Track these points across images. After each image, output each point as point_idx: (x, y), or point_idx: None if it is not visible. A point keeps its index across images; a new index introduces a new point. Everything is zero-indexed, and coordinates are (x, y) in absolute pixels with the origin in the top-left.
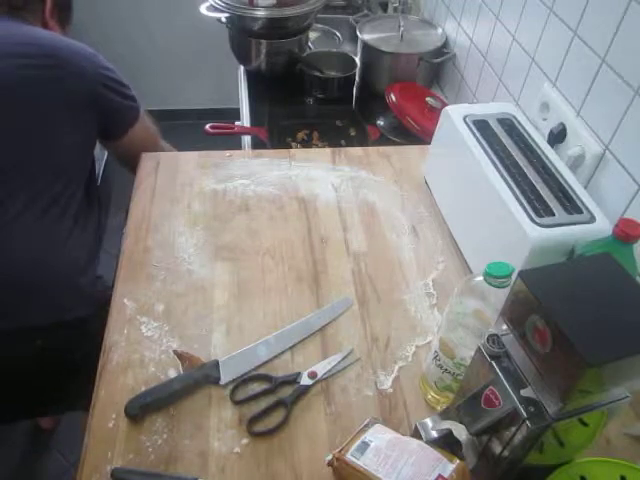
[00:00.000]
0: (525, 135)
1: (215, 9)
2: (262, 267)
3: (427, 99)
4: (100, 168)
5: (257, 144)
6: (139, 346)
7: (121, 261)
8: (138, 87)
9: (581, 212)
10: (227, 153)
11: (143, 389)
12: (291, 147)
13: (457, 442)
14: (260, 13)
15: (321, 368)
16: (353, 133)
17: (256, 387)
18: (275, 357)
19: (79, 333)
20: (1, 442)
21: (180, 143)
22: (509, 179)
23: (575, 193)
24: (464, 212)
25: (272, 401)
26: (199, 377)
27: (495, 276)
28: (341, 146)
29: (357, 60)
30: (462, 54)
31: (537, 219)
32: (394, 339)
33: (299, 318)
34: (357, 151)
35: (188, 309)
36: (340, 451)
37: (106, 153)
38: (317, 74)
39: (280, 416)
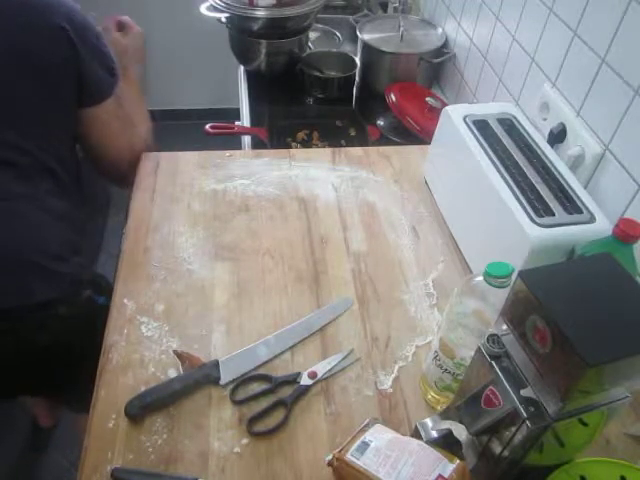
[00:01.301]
0: (525, 135)
1: (215, 9)
2: (262, 267)
3: (427, 99)
4: None
5: (257, 144)
6: (139, 346)
7: (121, 261)
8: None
9: (581, 212)
10: (227, 153)
11: (143, 389)
12: (291, 147)
13: (457, 442)
14: (260, 13)
15: (321, 368)
16: (353, 133)
17: (256, 387)
18: (275, 357)
19: (47, 316)
20: (1, 442)
21: (180, 143)
22: (509, 179)
23: (575, 193)
24: (464, 212)
25: (272, 401)
26: (199, 377)
27: (495, 276)
28: (341, 146)
29: (357, 60)
30: (462, 54)
31: (537, 219)
32: (394, 339)
33: (299, 318)
34: (357, 151)
35: (188, 309)
36: (340, 451)
37: None
38: (317, 74)
39: (280, 416)
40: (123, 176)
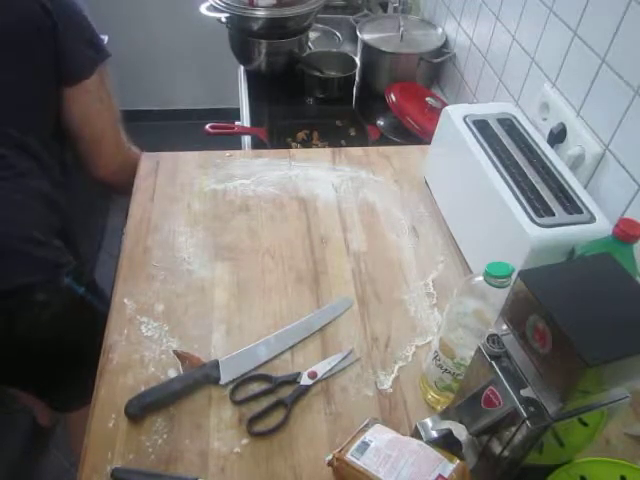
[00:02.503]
0: (525, 135)
1: (215, 9)
2: (262, 267)
3: (427, 99)
4: None
5: (257, 144)
6: (139, 346)
7: (121, 261)
8: (138, 87)
9: (581, 212)
10: (227, 153)
11: (143, 389)
12: (291, 147)
13: (457, 442)
14: (260, 13)
15: (321, 368)
16: (353, 133)
17: (256, 387)
18: (275, 357)
19: (23, 303)
20: (1, 442)
21: (180, 143)
22: (509, 179)
23: (575, 193)
24: (464, 212)
25: (272, 401)
26: (199, 377)
27: (495, 276)
28: (341, 146)
29: (357, 60)
30: (462, 54)
31: (537, 219)
32: (394, 339)
33: (299, 318)
34: (357, 151)
35: (188, 309)
36: (340, 451)
37: None
38: (317, 74)
39: (280, 416)
40: (112, 174)
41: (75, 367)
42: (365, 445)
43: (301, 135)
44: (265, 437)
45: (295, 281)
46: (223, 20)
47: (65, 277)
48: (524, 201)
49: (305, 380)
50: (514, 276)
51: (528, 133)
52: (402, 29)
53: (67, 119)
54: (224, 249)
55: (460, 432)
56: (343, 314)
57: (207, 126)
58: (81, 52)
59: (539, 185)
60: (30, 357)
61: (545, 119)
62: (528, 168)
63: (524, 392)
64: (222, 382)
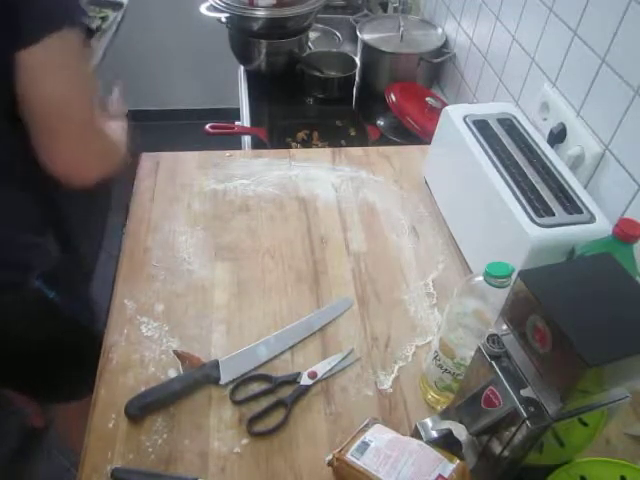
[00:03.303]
0: (525, 135)
1: (215, 9)
2: (262, 267)
3: (427, 99)
4: None
5: (257, 144)
6: (139, 346)
7: (121, 261)
8: (138, 87)
9: (581, 212)
10: (227, 153)
11: (143, 389)
12: (291, 147)
13: (457, 442)
14: (260, 13)
15: (321, 368)
16: (353, 133)
17: (256, 387)
18: (275, 357)
19: (11, 299)
20: (1, 442)
21: (180, 143)
22: (509, 179)
23: (575, 193)
24: (464, 212)
25: (272, 401)
26: (199, 377)
27: (495, 276)
28: (341, 146)
29: (357, 60)
30: (462, 54)
31: (537, 219)
32: (394, 339)
33: (299, 318)
34: (357, 151)
35: (188, 309)
36: (340, 451)
37: None
38: (317, 74)
39: (280, 416)
40: (74, 163)
41: (61, 366)
42: (365, 445)
43: (301, 135)
44: (265, 437)
45: (295, 281)
46: (223, 20)
47: (35, 280)
48: (524, 201)
49: (305, 380)
50: (514, 276)
51: (528, 133)
52: (402, 29)
53: (22, 92)
54: (224, 249)
55: (460, 432)
56: (343, 314)
57: (207, 126)
58: (43, 11)
59: (539, 185)
60: (7, 355)
61: (545, 119)
62: (528, 168)
63: (524, 392)
64: (222, 382)
